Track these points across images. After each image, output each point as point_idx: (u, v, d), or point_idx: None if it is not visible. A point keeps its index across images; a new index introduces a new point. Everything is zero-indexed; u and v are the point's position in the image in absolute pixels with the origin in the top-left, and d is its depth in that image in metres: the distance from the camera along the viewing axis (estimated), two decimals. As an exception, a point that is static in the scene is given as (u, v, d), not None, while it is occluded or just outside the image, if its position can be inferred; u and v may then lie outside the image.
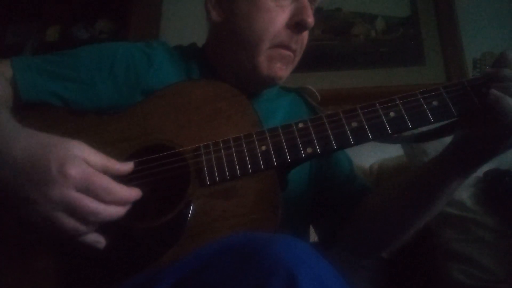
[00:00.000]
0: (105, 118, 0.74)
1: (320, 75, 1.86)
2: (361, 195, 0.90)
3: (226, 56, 0.89)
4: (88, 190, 0.59)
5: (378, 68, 1.86)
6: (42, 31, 2.16)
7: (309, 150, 0.68)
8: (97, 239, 0.62)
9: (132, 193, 0.63)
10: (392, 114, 0.68)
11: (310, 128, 0.69)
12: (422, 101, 0.68)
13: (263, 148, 0.68)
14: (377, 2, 1.96)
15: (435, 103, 0.67)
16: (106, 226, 0.62)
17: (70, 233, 0.59)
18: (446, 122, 0.70)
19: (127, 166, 0.66)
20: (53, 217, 0.58)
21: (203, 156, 0.69)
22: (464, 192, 1.21)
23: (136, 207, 0.64)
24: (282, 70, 0.86)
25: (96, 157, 0.62)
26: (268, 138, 0.69)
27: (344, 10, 1.97)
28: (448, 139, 0.73)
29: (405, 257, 1.30)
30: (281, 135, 0.69)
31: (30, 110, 0.76)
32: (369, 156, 1.51)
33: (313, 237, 1.01)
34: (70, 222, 0.58)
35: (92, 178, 0.59)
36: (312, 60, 1.90)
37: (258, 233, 0.59)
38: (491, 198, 1.18)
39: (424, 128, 0.72)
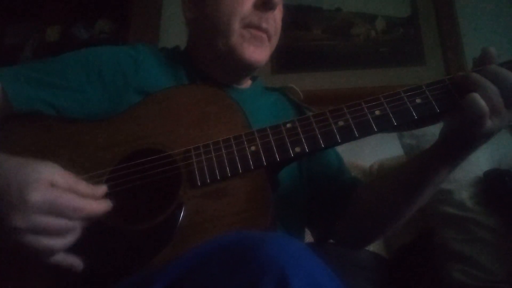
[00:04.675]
0: (96, 124, 0.75)
1: (320, 75, 1.86)
2: (351, 188, 0.91)
3: (205, 50, 0.91)
4: (53, 211, 0.58)
5: (378, 68, 1.86)
6: (42, 31, 2.16)
7: (297, 149, 0.69)
8: (73, 262, 0.61)
9: (101, 206, 0.62)
10: (377, 112, 0.70)
11: (298, 128, 0.70)
12: (406, 99, 0.70)
13: (253, 148, 0.69)
14: (377, 2, 1.96)
15: (418, 100, 0.70)
16: (99, 228, 0.62)
17: (46, 253, 0.59)
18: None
19: (99, 190, 0.64)
20: (23, 243, 0.57)
21: (193, 158, 0.69)
22: (464, 192, 1.21)
23: (129, 210, 0.64)
24: (257, 54, 0.87)
25: (64, 179, 0.61)
26: (257, 139, 0.70)
27: (344, 10, 1.97)
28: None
29: (405, 257, 1.30)
30: (270, 135, 0.70)
31: (21, 120, 0.75)
32: (369, 156, 1.50)
33: (308, 237, 1.01)
34: (42, 242, 0.58)
35: (55, 200, 0.58)
36: (312, 60, 1.90)
37: (251, 232, 0.59)
38: (491, 198, 1.18)
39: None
